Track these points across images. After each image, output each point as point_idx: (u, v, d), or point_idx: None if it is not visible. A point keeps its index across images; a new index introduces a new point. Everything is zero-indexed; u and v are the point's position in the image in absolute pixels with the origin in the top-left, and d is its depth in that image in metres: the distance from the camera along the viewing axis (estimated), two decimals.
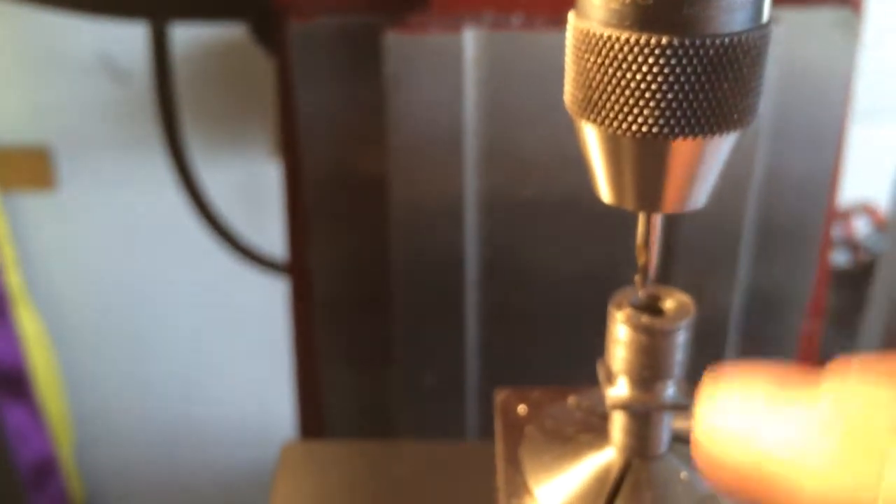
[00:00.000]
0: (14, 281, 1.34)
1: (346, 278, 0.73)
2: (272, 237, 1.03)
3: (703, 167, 0.28)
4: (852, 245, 1.21)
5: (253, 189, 1.25)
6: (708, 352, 0.69)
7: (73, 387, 1.45)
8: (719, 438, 0.24)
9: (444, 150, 0.64)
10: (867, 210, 1.22)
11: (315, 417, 0.78)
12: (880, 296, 0.82)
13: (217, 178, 1.14)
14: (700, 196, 0.29)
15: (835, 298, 1.15)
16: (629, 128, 0.27)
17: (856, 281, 1.12)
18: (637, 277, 0.32)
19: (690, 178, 0.28)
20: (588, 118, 0.28)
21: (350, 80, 0.67)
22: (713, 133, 0.27)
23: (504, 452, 0.37)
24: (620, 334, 0.33)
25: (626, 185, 0.29)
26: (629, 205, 0.29)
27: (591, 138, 0.28)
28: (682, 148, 0.27)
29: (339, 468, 0.52)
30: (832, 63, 0.63)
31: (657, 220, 0.30)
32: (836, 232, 1.24)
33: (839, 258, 1.22)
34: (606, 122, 0.27)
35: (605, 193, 0.30)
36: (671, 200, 0.28)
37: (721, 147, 0.27)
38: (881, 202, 1.22)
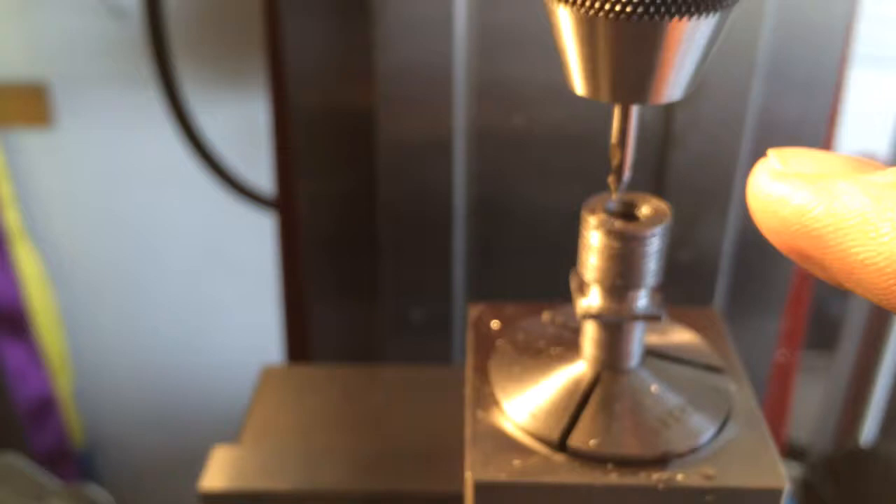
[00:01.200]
0: (12, 219, 1.33)
1: (334, 214, 0.72)
2: (269, 175, 1.01)
3: (682, 53, 0.26)
4: None
5: (249, 127, 1.23)
6: (698, 291, 0.68)
7: (71, 325, 1.45)
8: (780, 198, 0.23)
9: (432, 80, 0.62)
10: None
11: (302, 353, 0.78)
12: None
13: (214, 117, 1.12)
14: (679, 85, 0.27)
15: None
16: (603, 7, 0.25)
17: None
18: (610, 179, 0.31)
19: (669, 65, 0.26)
20: (561, 0, 0.26)
21: (337, 14, 0.65)
22: (691, 14, 0.25)
23: (473, 364, 0.36)
24: (593, 240, 0.31)
25: (602, 73, 0.27)
26: (604, 96, 0.27)
27: (565, 23, 0.27)
28: (659, 30, 0.25)
29: (317, 391, 0.52)
30: (830, 3, 0.61)
31: (633, 113, 0.29)
32: None
33: None
34: (580, 3, 0.25)
35: (579, 84, 0.28)
36: (649, 89, 0.27)
37: (700, 30, 0.25)
38: (882, 154, 1.20)
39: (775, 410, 0.79)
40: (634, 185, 0.34)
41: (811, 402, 0.92)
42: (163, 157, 1.27)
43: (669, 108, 0.62)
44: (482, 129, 0.64)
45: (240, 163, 1.05)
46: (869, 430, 0.80)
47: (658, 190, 0.64)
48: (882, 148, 1.20)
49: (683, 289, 0.67)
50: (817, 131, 0.65)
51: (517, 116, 0.64)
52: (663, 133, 0.63)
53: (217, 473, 0.44)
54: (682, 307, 0.38)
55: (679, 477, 0.30)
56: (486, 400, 0.34)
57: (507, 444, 0.32)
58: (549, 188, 0.66)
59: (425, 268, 0.69)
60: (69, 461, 1.49)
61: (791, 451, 0.84)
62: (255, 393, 0.51)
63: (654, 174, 0.65)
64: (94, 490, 0.56)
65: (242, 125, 1.24)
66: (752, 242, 0.69)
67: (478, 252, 0.69)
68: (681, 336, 0.36)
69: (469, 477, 0.31)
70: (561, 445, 0.32)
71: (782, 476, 0.30)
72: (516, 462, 0.31)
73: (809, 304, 0.76)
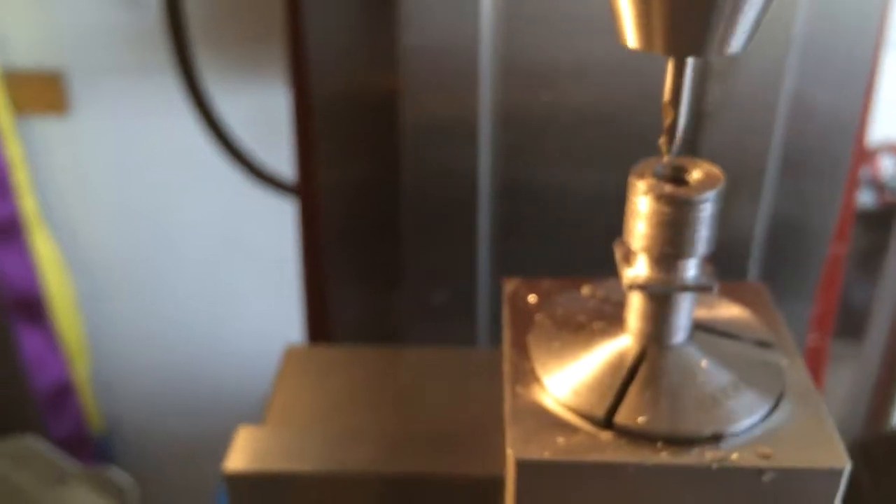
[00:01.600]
0: (29, 206, 1.33)
1: (356, 199, 0.70)
2: (288, 162, 1.00)
3: (741, 2, 0.24)
4: (878, 185, 1.16)
5: (269, 114, 1.22)
6: (730, 274, 0.66)
7: (88, 311, 1.44)
8: None
9: (457, 60, 0.60)
10: (893, 149, 1.17)
11: (323, 339, 0.76)
12: None
13: (234, 104, 1.11)
14: (736, 37, 0.25)
15: (859, 239, 1.11)
16: None
17: (881, 221, 1.07)
18: (662, 140, 0.29)
19: (726, 13, 0.24)
20: None
21: None
22: None
23: (511, 339, 0.34)
24: (641, 206, 0.29)
25: (655, 23, 0.25)
26: (658, 48, 0.26)
27: None
28: None
29: (341, 372, 0.50)
30: None
31: (688, 67, 0.27)
32: (862, 172, 1.19)
33: (864, 198, 1.18)
34: None
35: (631, 35, 0.26)
36: (705, 40, 0.25)
37: None
38: None
39: None
40: None
41: (836, 392, 0.90)
42: (180, 144, 1.26)
43: (702, 85, 0.60)
44: (508, 109, 0.62)
45: (259, 150, 1.04)
46: None
47: None
48: None
49: (717, 272, 0.65)
50: (851, 116, 0.63)
51: (543, 97, 0.62)
52: (695, 111, 0.61)
53: (241, 454, 0.43)
54: (729, 282, 0.36)
55: (734, 456, 0.29)
56: (526, 376, 0.32)
57: (549, 421, 0.30)
58: (575, 169, 0.64)
59: (449, 249, 0.67)
60: (87, 447, 1.49)
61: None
62: (278, 373, 0.50)
63: (685, 152, 0.63)
64: (115, 473, 0.55)
65: (262, 112, 1.22)
66: (785, 225, 0.67)
67: (502, 233, 0.67)
68: (729, 310, 0.35)
69: (510, 455, 0.29)
70: (607, 422, 0.30)
71: (843, 456, 0.29)
72: (560, 440, 0.29)
73: (840, 291, 0.73)
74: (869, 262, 1.08)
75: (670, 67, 0.27)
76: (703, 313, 0.34)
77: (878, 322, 0.87)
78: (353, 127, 0.68)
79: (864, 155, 1.22)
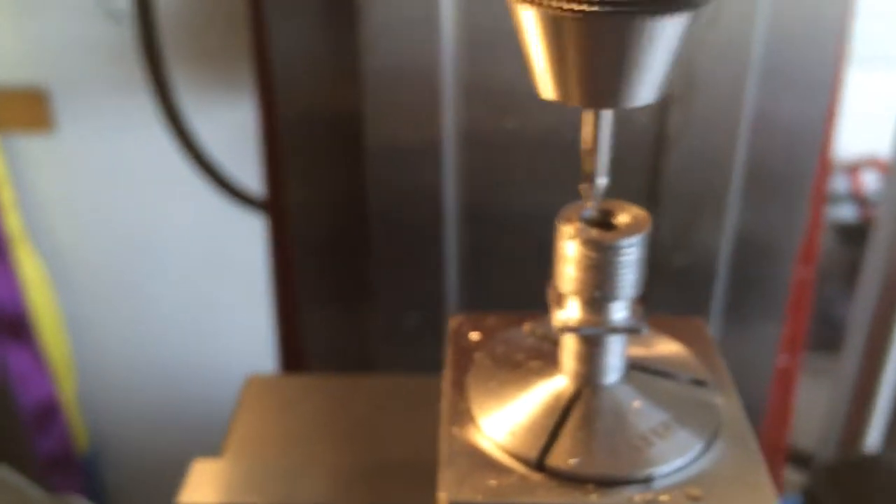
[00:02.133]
0: (13, 223, 1.33)
1: (325, 218, 0.70)
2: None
3: (652, 53, 0.24)
4: (860, 199, 1.16)
5: (244, 131, 1.22)
6: (696, 296, 0.66)
7: (74, 329, 1.44)
8: None
9: (420, 83, 0.61)
10: (874, 164, 1.17)
11: (295, 358, 0.76)
12: (879, 246, 0.78)
13: (210, 120, 1.11)
14: (649, 88, 0.25)
15: (841, 253, 1.11)
16: (570, 7, 0.23)
17: (863, 235, 1.07)
18: (582, 187, 0.29)
19: (638, 66, 0.25)
20: (526, 0, 0.24)
21: (323, 16, 0.63)
22: (658, 13, 0.23)
23: (451, 379, 0.34)
24: (569, 251, 0.30)
25: (571, 77, 0.25)
26: (574, 100, 0.26)
27: (530, 25, 0.25)
28: (628, 30, 0.24)
29: (302, 402, 0.50)
30: (824, 2, 0.59)
31: (605, 118, 0.27)
32: (843, 186, 1.19)
33: (846, 212, 1.18)
34: (545, 2, 0.24)
35: (548, 88, 0.26)
36: (619, 93, 0.25)
37: (669, 31, 0.24)
38: (883, 154, 1.17)
39: (777, 416, 0.77)
40: (628, 189, 0.33)
41: (815, 407, 0.90)
42: (163, 161, 1.26)
43: (663, 110, 0.60)
44: (472, 132, 0.62)
45: (236, 166, 1.04)
46: (873, 438, 0.78)
47: (652, 193, 0.63)
48: (883, 149, 1.18)
49: (679, 294, 0.65)
50: (814, 132, 0.63)
51: (508, 119, 0.62)
52: (657, 135, 0.62)
53: (197, 487, 0.43)
54: (669, 317, 0.37)
55: (663, 497, 0.29)
56: (463, 416, 0.32)
57: (483, 462, 0.30)
58: (540, 192, 0.65)
59: (417, 273, 0.67)
60: (74, 465, 1.48)
61: (794, 458, 0.81)
62: (238, 403, 0.50)
63: (649, 177, 0.63)
64: (78, 501, 0.54)
65: (238, 129, 1.22)
66: (750, 246, 0.67)
67: (470, 257, 0.67)
68: (666, 347, 0.35)
69: (443, 498, 0.29)
70: (539, 465, 0.30)
71: (772, 497, 0.29)
72: (492, 482, 0.30)
73: (812, 308, 0.73)
74: (850, 277, 1.08)
75: (587, 118, 0.27)
76: (639, 351, 0.34)
77: (853, 341, 0.87)
78: (320, 146, 0.68)
79: (844, 169, 1.22)
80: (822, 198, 0.72)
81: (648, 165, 0.63)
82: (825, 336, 1.09)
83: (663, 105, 0.60)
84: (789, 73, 0.61)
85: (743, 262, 0.67)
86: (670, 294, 0.63)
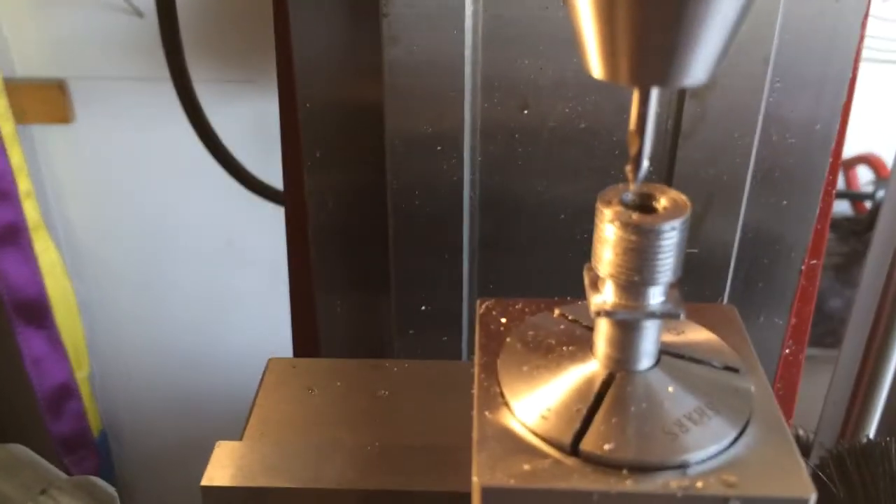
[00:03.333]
0: (31, 211, 1.31)
1: (343, 208, 0.69)
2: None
3: (705, 30, 0.23)
4: (854, 195, 1.15)
5: (265, 123, 1.21)
6: (708, 288, 0.65)
7: (89, 315, 1.43)
8: None
9: (441, 74, 0.59)
10: (869, 160, 1.16)
11: (311, 346, 0.75)
12: (879, 241, 0.77)
13: (231, 113, 1.10)
14: (701, 67, 0.24)
15: (837, 248, 1.10)
16: None
17: (858, 231, 1.06)
18: (628, 168, 0.28)
19: (691, 44, 0.23)
20: None
21: (346, 8, 0.62)
22: None
23: (482, 362, 0.33)
24: (608, 233, 0.28)
25: (620, 53, 0.24)
26: (623, 78, 0.25)
27: (583, 2, 0.24)
28: (681, 5, 0.22)
29: (323, 385, 0.49)
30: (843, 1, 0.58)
31: (653, 97, 0.26)
32: (839, 182, 1.18)
33: (841, 207, 1.17)
34: None
35: (596, 66, 0.25)
36: (670, 71, 0.24)
37: (723, 8, 0.23)
38: (883, 153, 1.16)
39: (782, 406, 0.76)
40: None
41: (816, 398, 0.89)
42: (181, 151, 1.25)
43: (679, 102, 0.59)
44: (492, 123, 0.61)
45: (255, 158, 1.03)
46: (875, 426, 0.77)
47: (666, 185, 0.62)
48: (876, 146, 1.17)
49: (692, 285, 0.64)
50: (828, 130, 0.62)
51: (527, 110, 0.61)
52: (673, 127, 0.60)
53: (219, 469, 0.42)
54: (699, 304, 0.35)
55: (699, 484, 0.28)
56: (495, 400, 0.31)
57: (516, 447, 0.29)
58: (559, 182, 0.63)
59: (435, 262, 0.66)
60: (89, 448, 1.48)
61: (797, 446, 0.80)
62: (259, 386, 0.49)
63: (664, 168, 0.62)
64: (98, 482, 0.53)
65: (256, 121, 1.21)
66: (762, 239, 0.66)
67: (488, 246, 0.66)
68: (698, 335, 0.34)
69: (476, 482, 0.28)
70: (573, 449, 0.29)
71: (809, 485, 0.28)
72: (526, 466, 0.28)
73: (814, 302, 0.72)
74: (845, 271, 1.07)
75: (635, 97, 0.26)
76: (671, 338, 0.33)
77: (854, 332, 0.86)
78: (340, 137, 0.67)
79: (838, 168, 1.21)
80: (831, 195, 0.71)
81: (662, 158, 0.62)
82: (819, 327, 1.09)
83: (679, 98, 0.59)
84: (806, 70, 0.60)
85: (754, 254, 0.66)
86: (683, 285, 0.62)
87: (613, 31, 0.24)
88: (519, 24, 0.58)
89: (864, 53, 0.77)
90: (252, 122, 1.21)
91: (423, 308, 0.67)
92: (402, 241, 0.65)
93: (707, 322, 0.34)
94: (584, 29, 0.24)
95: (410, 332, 0.68)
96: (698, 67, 0.24)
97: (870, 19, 0.75)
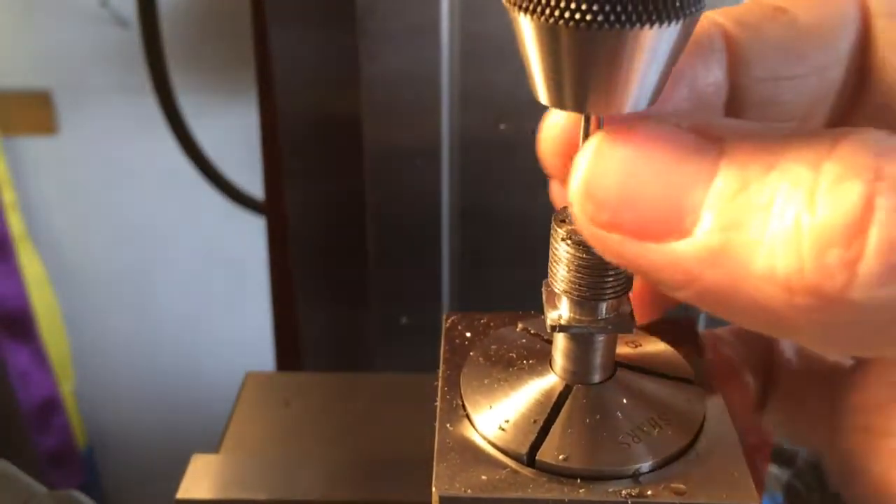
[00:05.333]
0: (16, 223, 1.33)
1: (324, 220, 0.71)
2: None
3: (646, 63, 0.25)
4: None
5: (248, 134, 1.23)
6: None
7: (73, 328, 1.44)
8: (605, 195, 0.25)
9: (419, 88, 0.61)
10: None
11: (292, 357, 0.76)
12: None
13: (214, 124, 1.12)
14: (643, 96, 0.26)
15: None
16: (563, 16, 0.24)
17: None
18: None
19: (633, 75, 0.25)
20: (522, 9, 0.25)
21: (324, 23, 0.64)
22: (653, 22, 0.24)
23: (446, 376, 0.35)
24: (561, 251, 0.30)
25: (566, 84, 0.26)
26: (569, 106, 0.26)
27: (527, 32, 0.26)
28: (622, 40, 0.24)
29: (300, 398, 0.50)
30: None
31: (598, 123, 0.27)
32: None
33: None
34: (540, 11, 0.24)
35: (543, 94, 0.27)
36: (614, 100, 0.25)
37: (664, 39, 0.24)
38: None
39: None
40: None
41: None
42: (166, 162, 1.26)
43: None
44: (469, 136, 0.63)
45: (237, 169, 1.04)
46: None
47: None
48: None
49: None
50: None
51: (503, 124, 0.63)
52: None
53: (195, 482, 0.43)
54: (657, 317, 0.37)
55: (649, 492, 0.29)
56: (457, 413, 0.33)
57: (475, 458, 0.31)
58: (537, 195, 0.65)
59: (414, 274, 0.68)
60: (74, 462, 1.48)
61: (778, 456, 0.82)
62: (236, 400, 0.50)
63: None
64: (80, 496, 0.55)
65: (239, 132, 1.23)
66: None
67: (466, 258, 0.68)
68: (654, 347, 0.35)
69: (434, 492, 0.30)
70: (530, 460, 0.30)
71: (754, 493, 0.29)
72: (483, 477, 0.30)
73: None
74: None
75: (582, 123, 0.28)
76: (628, 350, 0.34)
77: None
78: (319, 149, 0.68)
79: None
80: None
81: None
82: None
83: None
84: None
85: None
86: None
87: (557, 63, 0.25)
88: (495, 39, 0.60)
89: None
90: (237, 132, 1.22)
91: (403, 320, 0.69)
92: (382, 253, 0.67)
93: (665, 334, 0.36)
94: (531, 60, 0.26)
95: (391, 343, 0.70)
96: (640, 97, 0.26)
97: None
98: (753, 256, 0.22)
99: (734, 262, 0.22)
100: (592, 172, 0.25)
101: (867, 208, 0.20)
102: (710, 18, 0.29)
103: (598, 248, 0.26)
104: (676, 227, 0.23)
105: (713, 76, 0.29)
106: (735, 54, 0.28)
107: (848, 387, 0.28)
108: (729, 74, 0.29)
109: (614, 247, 0.25)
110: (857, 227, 0.20)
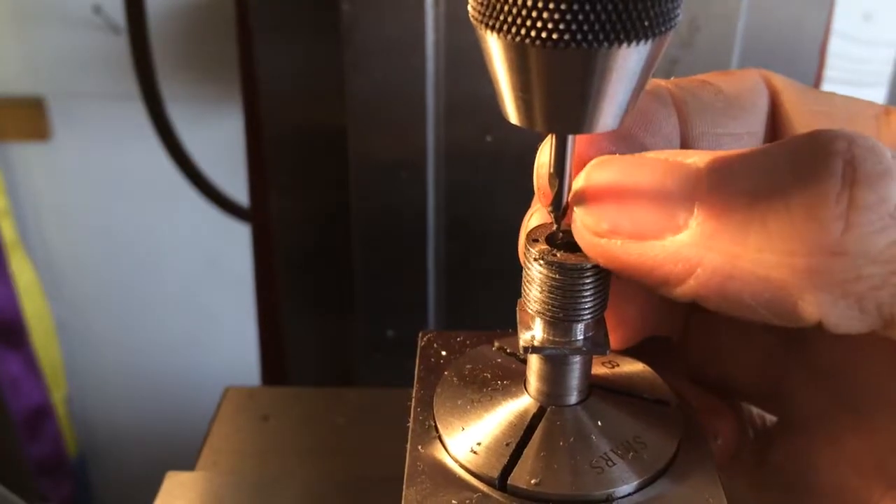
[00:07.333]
0: (7, 230, 1.32)
1: (308, 230, 0.70)
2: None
3: (615, 82, 0.24)
4: None
5: (235, 142, 1.22)
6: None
7: (65, 336, 1.43)
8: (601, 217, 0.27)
9: (404, 101, 0.61)
10: None
11: (278, 367, 0.76)
12: None
13: (200, 132, 1.11)
14: (613, 115, 0.25)
15: None
16: (529, 35, 0.23)
17: None
18: (548, 209, 0.29)
19: (602, 94, 0.24)
20: (490, 27, 0.24)
21: (309, 35, 0.63)
22: (621, 42, 0.23)
23: (419, 396, 0.34)
24: (534, 272, 0.29)
25: (535, 103, 0.25)
26: (538, 126, 0.26)
27: (496, 51, 0.25)
28: (591, 59, 0.23)
29: (279, 414, 0.50)
30: (802, 24, 0.59)
31: (569, 142, 0.27)
32: None
33: None
34: (507, 30, 0.24)
35: (513, 113, 0.26)
36: (583, 119, 0.25)
37: (633, 58, 0.24)
38: None
39: None
40: None
41: None
42: (156, 170, 1.25)
43: None
44: (455, 148, 0.62)
45: (225, 177, 1.04)
46: None
47: None
48: None
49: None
50: None
51: (490, 136, 0.62)
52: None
53: (169, 500, 0.42)
54: None
55: None
56: (429, 434, 0.32)
57: (445, 481, 0.30)
58: (521, 208, 0.64)
59: (399, 286, 0.67)
60: (65, 470, 1.47)
61: None
62: (214, 415, 0.49)
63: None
64: None
65: (227, 141, 1.22)
66: None
67: (452, 270, 0.67)
68: (632, 367, 0.34)
69: None
70: (501, 484, 0.30)
71: None
72: (453, 502, 0.29)
73: None
74: None
75: (552, 142, 0.27)
76: (604, 370, 0.34)
77: None
78: (304, 160, 0.68)
79: None
80: None
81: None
82: None
83: None
84: None
85: None
86: None
87: (526, 82, 0.25)
88: (479, 52, 0.60)
89: (834, 75, 0.78)
90: (226, 140, 1.22)
91: (389, 332, 0.68)
92: (367, 265, 0.66)
93: (641, 353, 0.35)
94: (500, 79, 0.26)
95: (376, 355, 0.69)
96: (609, 116, 0.25)
97: (850, 42, 0.76)
98: (748, 230, 0.23)
99: (730, 241, 0.24)
100: (590, 188, 0.27)
101: (847, 166, 0.22)
102: (654, 81, 0.31)
103: (603, 259, 0.28)
104: (673, 223, 0.25)
105: (671, 125, 0.31)
106: (681, 110, 0.31)
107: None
108: (679, 126, 0.31)
109: (617, 252, 0.27)
110: (841, 182, 0.22)
